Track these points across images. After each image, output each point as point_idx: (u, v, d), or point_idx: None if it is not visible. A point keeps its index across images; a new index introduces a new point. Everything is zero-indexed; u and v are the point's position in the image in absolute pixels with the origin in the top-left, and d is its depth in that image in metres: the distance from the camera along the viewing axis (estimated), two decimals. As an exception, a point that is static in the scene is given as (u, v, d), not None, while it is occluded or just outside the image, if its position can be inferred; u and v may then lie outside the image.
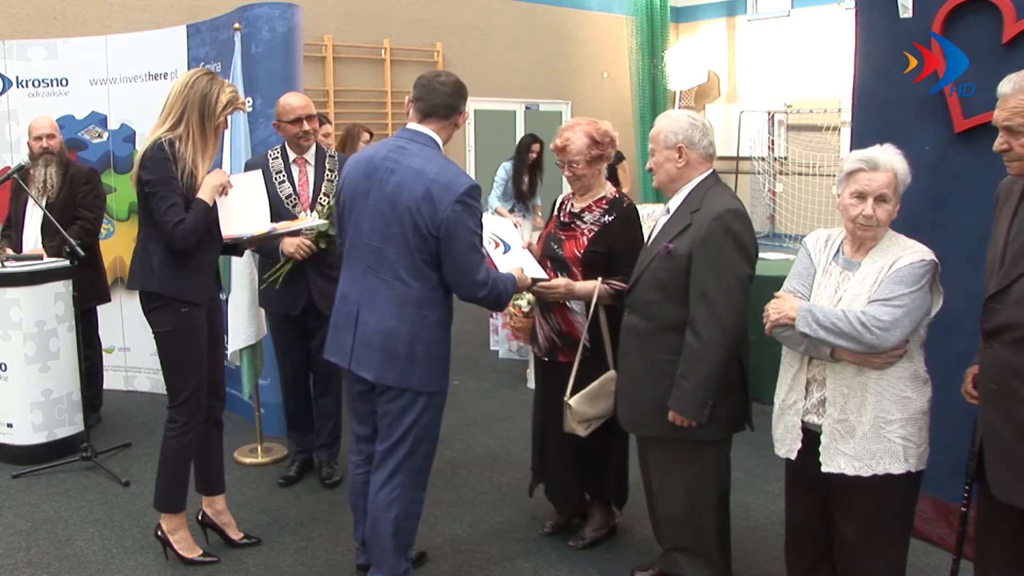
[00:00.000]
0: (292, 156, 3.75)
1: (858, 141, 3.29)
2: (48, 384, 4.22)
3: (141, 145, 3.01)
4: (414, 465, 2.70)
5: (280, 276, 3.64)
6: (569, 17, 12.87)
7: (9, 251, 4.35)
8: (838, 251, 2.37)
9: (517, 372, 5.68)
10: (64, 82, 5.17)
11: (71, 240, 3.92)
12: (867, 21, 3.35)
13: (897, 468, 2.24)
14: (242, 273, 4.04)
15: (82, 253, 3.92)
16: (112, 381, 5.23)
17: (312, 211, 3.65)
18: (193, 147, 2.96)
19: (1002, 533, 2.16)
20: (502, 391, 5.37)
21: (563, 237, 3.12)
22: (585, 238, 3.07)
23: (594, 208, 3.11)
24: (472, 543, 3.37)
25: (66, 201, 4.42)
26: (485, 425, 4.74)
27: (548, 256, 3.14)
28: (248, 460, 4.20)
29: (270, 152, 3.79)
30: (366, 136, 5.91)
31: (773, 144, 12.56)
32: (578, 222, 3.10)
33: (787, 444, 2.41)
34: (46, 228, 4.38)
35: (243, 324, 4.03)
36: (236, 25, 4.33)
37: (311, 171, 3.76)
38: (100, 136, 5.21)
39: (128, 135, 5.18)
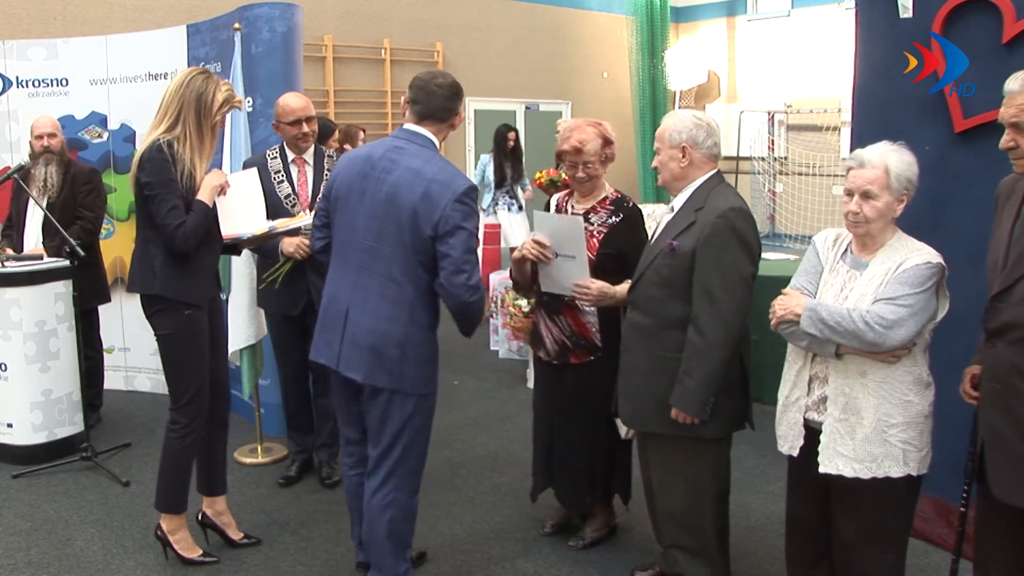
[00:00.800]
0: (291, 156, 3.75)
1: (858, 141, 3.29)
2: (48, 384, 4.22)
3: (139, 146, 3.00)
4: (407, 468, 2.68)
5: (280, 276, 3.64)
6: (569, 17, 12.87)
7: (9, 251, 4.36)
8: (846, 250, 2.37)
9: (517, 372, 5.68)
10: (64, 82, 5.17)
11: (71, 240, 3.91)
12: (867, 21, 3.35)
13: (896, 471, 2.24)
14: (242, 273, 4.04)
15: (82, 253, 3.92)
16: (112, 381, 5.22)
17: (311, 211, 3.65)
18: (191, 148, 2.94)
19: (1002, 533, 2.16)
20: (502, 391, 5.37)
21: None
22: (596, 240, 3.06)
23: (599, 209, 3.11)
24: (472, 543, 3.36)
25: (67, 201, 4.42)
26: (485, 425, 4.74)
27: None
28: (248, 460, 4.20)
29: (269, 152, 3.79)
30: (361, 135, 5.92)
31: (773, 144, 12.56)
32: (585, 224, 3.10)
33: (789, 441, 2.41)
34: (46, 228, 4.38)
35: (243, 324, 4.03)
36: (236, 25, 4.33)
37: (310, 171, 3.76)
38: (100, 136, 5.21)
39: (128, 135, 5.18)
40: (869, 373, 2.24)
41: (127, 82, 5.12)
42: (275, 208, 3.56)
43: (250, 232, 3.26)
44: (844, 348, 2.23)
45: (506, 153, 7.42)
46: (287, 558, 3.25)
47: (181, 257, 2.94)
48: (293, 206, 3.68)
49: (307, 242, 3.56)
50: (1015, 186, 2.21)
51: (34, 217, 4.48)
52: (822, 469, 2.30)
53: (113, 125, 5.20)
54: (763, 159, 12.67)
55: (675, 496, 2.78)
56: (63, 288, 4.23)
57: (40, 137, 4.45)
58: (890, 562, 2.34)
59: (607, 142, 3.05)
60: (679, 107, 13.32)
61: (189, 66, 4.80)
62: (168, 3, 9.24)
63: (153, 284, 2.96)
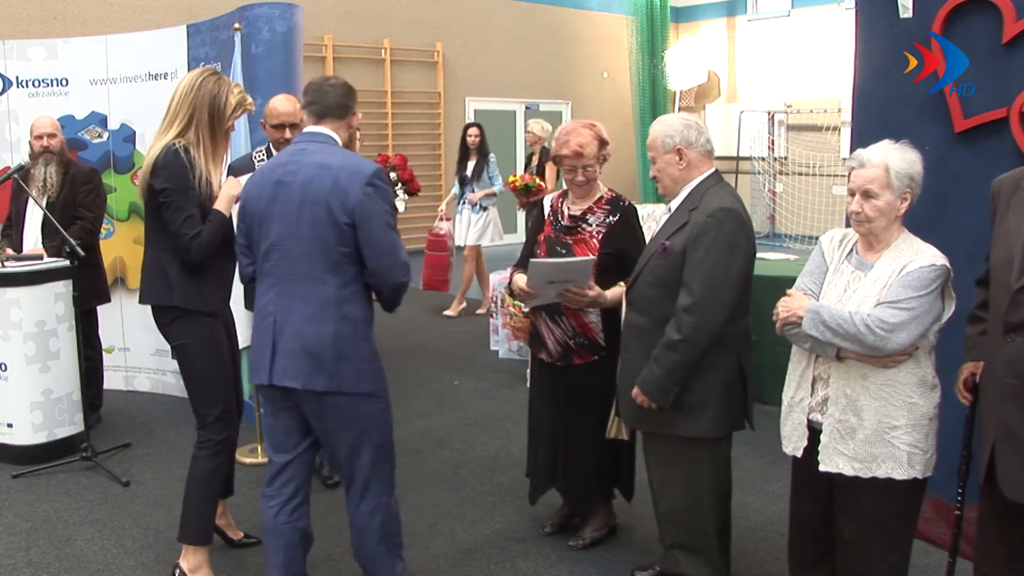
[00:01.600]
0: None
1: (858, 141, 3.29)
2: (48, 384, 4.22)
3: (146, 148, 2.92)
4: (380, 470, 2.58)
5: None
6: (569, 17, 12.88)
7: (9, 251, 4.36)
8: (852, 251, 2.37)
9: (517, 372, 5.68)
10: (64, 82, 5.17)
11: (71, 240, 3.91)
12: (867, 21, 3.36)
13: (900, 474, 2.23)
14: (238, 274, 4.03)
15: (82, 253, 3.91)
16: (112, 381, 5.22)
17: None
18: (204, 153, 2.84)
19: (1003, 533, 2.15)
20: (502, 391, 5.37)
21: (570, 241, 3.10)
22: (595, 241, 3.07)
23: (596, 210, 3.11)
24: (472, 543, 3.37)
25: (67, 201, 4.42)
26: (485, 425, 4.74)
27: None
28: (248, 460, 4.20)
29: (255, 153, 3.80)
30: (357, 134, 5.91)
31: (773, 144, 12.57)
32: (583, 225, 3.09)
33: (793, 441, 2.41)
34: (46, 228, 4.38)
35: (243, 325, 4.02)
36: (236, 25, 4.33)
37: None
38: (100, 136, 5.21)
39: (128, 135, 5.18)
40: (870, 375, 2.23)
41: (127, 82, 5.12)
42: None
43: None
44: (845, 351, 2.23)
45: (467, 151, 7.37)
46: (287, 558, 3.25)
47: (197, 266, 2.83)
48: None
49: None
50: (1021, 181, 2.19)
51: (34, 217, 4.48)
52: (822, 468, 2.30)
53: (113, 125, 5.20)
54: (763, 159, 12.68)
55: (675, 496, 2.78)
56: (63, 288, 4.23)
57: (40, 137, 4.45)
58: (892, 563, 2.34)
59: (603, 143, 3.07)
60: (679, 107, 13.33)
61: (189, 66, 4.81)
62: (168, 3, 9.25)
63: (170, 295, 2.84)
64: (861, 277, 2.29)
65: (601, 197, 3.13)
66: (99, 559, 3.25)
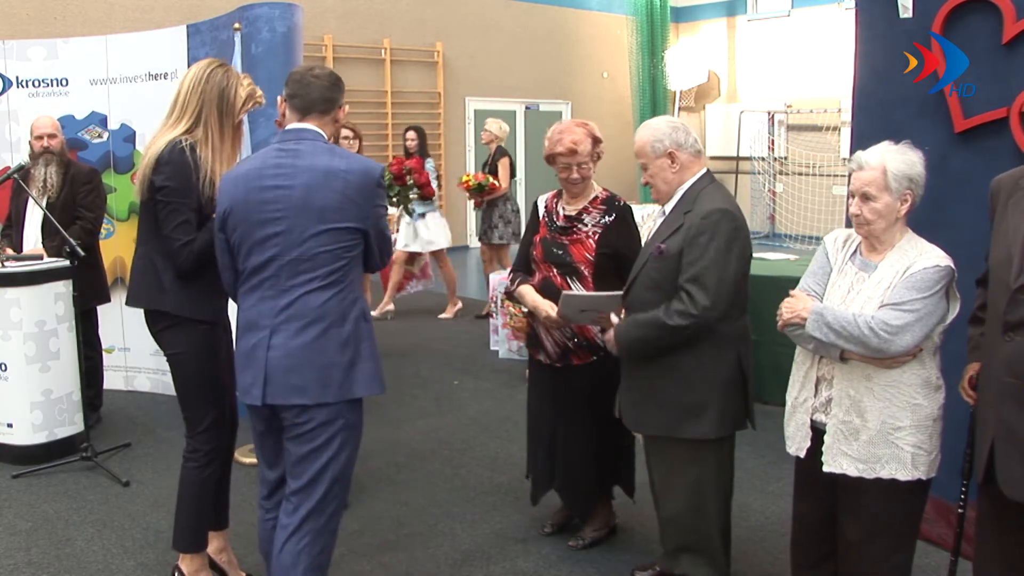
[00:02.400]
0: None
1: (858, 141, 3.29)
2: (48, 384, 4.22)
3: (149, 146, 2.71)
4: (327, 508, 2.39)
5: None
6: (569, 17, 12.88)
7: (9, 251, 4.36)
8: (855, 251, 2.36)
9: (517, 372, 5.68)
10: (64, 82, 5.17)
11: (71, 240, 3.91)
12: (867, 21, 3.36)
13: (904, 475, 2.23)
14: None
15: (82, 253, 3.91)
16: (112, 381, 5.22)
17: None
18: (212, 151, 2.68)
19: (1003, 533, 2.15)
20: (502, 391, 5.37)
21: (566, 242, 3.10)
22: (591, 241, 3.07)
23: (591, 209, 3.11)
24: (472, 543, 3.37)
25: (67, 201, 4.42)
26: (485, 425, 4.74)
27: (553, 263, 3.12)
28: (248, 460, 4.19)
29: None
30: (347, 132, 5.89)
31: (773, 144, 12.57)
32: (579, 225, 3.09)
33: (797, 442, 2.41)
34: (46, 228, 4.38)
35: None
36: (236, 25, 4.33)
37: None
38: (100, 136, 5.21)
39: (128, 135, 5.18)
40: (874, 376, 2.23)
41: (127, 82, 5.12)
42: None
43: None
44: (848, 353, 2.23)
45: (406, 156, 6.98)
46: (287, 558, 3.24)
47: (193, 272, 2.67)
48: None
49: None
50: (1020, 181, 2.19)
51: (34, 217, 4.48)
52: (826, 468, 2.30)
53: (113, 125, 5.20)
54: (763, 159, 12.68)
55: (678, 499, 2.77)
56: (63, 288, 4.23)
57: (40, 137, 4.45)
58: (895, 564, 2.33)
59: (596, 141, 3.07)
60: (679, 107, 13.34)
61: (189, 66, 4.80)
62: (168, 3, 9.25)
63: (161, 300, 2.70)
64: (865, 278, 2.29)
65: (596, 197, 3.13)
66: (99, 559, 3.25)
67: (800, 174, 12.14)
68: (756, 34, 13.02)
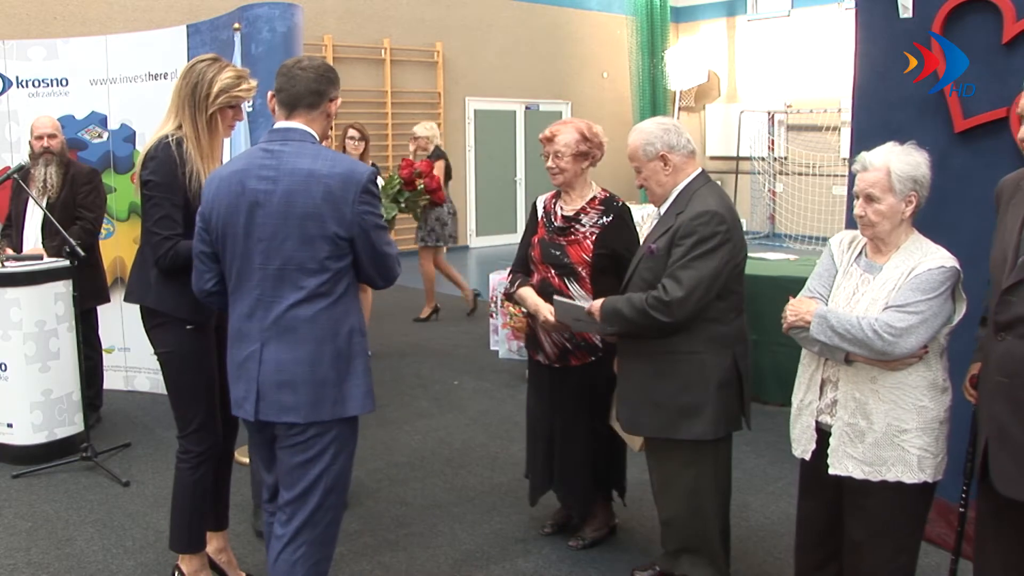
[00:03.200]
0: None
1: (858, 141, 3.29)
2: (48, 384, 4.22)
3: (144, 145, 2.76)
4: (323, 518, 2.32)
5: None
6: (569, 17, 12.88)
7: (9, 251, 4.36)
8: (861, 253, 2.36)
9: (517, 372, 5.68)
10: (64, 82, 5.17)
11: (71, 240, 3.91)
12: (867, 21, 3.35)
13: (910, 478, 2.22)
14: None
15: (82, 253, 3.91)
16: (112, 381, 5.22)
17: None
18: (194, 146, 2.65)
19: (1001, 531, 2.15)
20: (502, 391, 5.37)
21: (564, 242, 3.10)
22: (589, 241, 3.06)
23: (589, 210, 3.10)
24: (472, 543, 3.37)
25: (67, 201, 4.42)
26: (485, 425, 4.74)
27: (551, 263, 3.12)
28: (248, 460, 4.19)
29: None
30: (354, 132, 5.89)
31: (773, 144, 12.58)
32: (576, 225, 3.09)
33: (802, 444, 2.41)
34: (46, 228, 4.38)
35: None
36: (236, 25, 4.33)
37: None
38: (100, 136, 5.21)
39: (128, 135, 5.18)
40: (880, 378, 2.22)
41: (127, 82, 5.12)
42: None
43: None
44: (853, 355, 2.23)
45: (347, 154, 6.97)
46: (287, 558, 3.24)
47: (180, 269, 2.59)
48: None
49: None
50: (1020, 183, 2.20)
51: (34, 217, 4.49)
52: (832, 471, 2.30)
53: (113, 125, 5.19)
54: (763, 159, 12.69)
55: (677, 500, 2.77)
56: (63, 288, 4.23)
57: (40, 137, 4.45)
58: (899, 565, 2.33)
59: (584, 138, 3.05)
60: (679, 107, 13.34)
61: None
62: (168, 3, 9.25)
63: (148, 295, 2.69)
64: (870, 280, 2.28)
65: (594, 197, 3.13)
66: (99, 559, 3.25)
67: (800, 174, 12.15)
68: (756, 34, 13.02)
